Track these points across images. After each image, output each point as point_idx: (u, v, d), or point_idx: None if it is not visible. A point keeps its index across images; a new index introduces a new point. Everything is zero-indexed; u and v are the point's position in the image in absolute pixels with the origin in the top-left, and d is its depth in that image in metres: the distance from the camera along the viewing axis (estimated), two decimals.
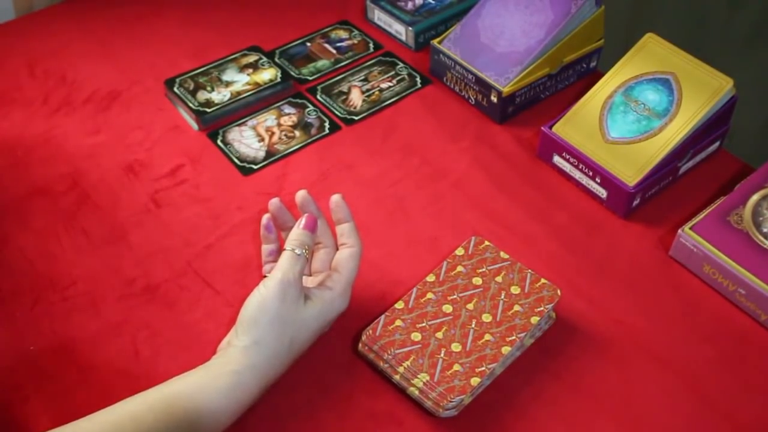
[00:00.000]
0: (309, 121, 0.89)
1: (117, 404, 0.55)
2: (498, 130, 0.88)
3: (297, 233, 0.62)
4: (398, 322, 0.64)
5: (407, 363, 0.62)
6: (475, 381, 0.60)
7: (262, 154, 0.85)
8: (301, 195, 0.66)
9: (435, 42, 0.91)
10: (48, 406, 0.63)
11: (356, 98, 0.91)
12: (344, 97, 0.92)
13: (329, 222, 0.67)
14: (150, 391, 0.56)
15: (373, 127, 0.88)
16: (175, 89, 0.91)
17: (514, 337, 0.63)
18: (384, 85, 0.93)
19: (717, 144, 0.83)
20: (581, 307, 0.70)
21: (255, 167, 0.83)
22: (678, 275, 0.73)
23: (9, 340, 0.68)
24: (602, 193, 0.78)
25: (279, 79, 0.92)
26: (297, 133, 0.87)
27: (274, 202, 0.66)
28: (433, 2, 0.99)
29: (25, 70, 0.95)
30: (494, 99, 0.86)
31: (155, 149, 0.85)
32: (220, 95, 0.90)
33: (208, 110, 0.88)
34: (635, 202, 0.77)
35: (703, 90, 0.77)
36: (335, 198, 0.65)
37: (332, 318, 0.63)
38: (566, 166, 0.81)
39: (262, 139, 0.86)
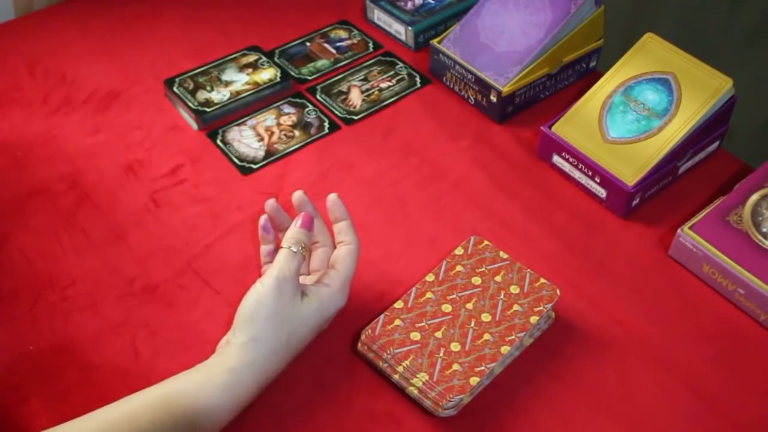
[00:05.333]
0: (308, 120, 0.89)
1: (115, 403, 0.55)
2: (498, 129, 0.88)
3: (293, 231, 0.62)
4: (397, 322, 0.64)
5: (406, 362, 0.62)
6: (474, 380, 0.61)
7: (261, 153, 0.85)
8: (297, 195, 0.66)
9: (434, 42, 0.91)
10: (47, 406, 0.63)
11: (356, 98, 0.91)
12: (344, 96, 0.92)
13: (327, 222, 0.67)
14: (148, 390, 0.56)
15: (372, 126, 0.88)
16: (175, 89, 0.91)
17: (513, 337, 0.63)
18: (383, 85, 0.93)
19: (716, 144, 0.83)
20: (580, 307, 0.70)
21: (254, 167, 0.83)
22: (677, 275, 0.73)
23: (9, 339, 0.68)
24: (602, 192, 0.78)
25: (278, 79, 0.92)
26: (296, 132, 0.87)
27: (270, 203, 0.66)
28: (432, 2, 0.99)
29: (24, 70, 0.95)
30: (494, 99, 0.86)
31: (155, 149, 0.86)
32: (219, 95, 0.90)
33: (208, 110, 0.88)
34: (635, 202, 0.77)
35: (703, 90, 0.77)
36: (332, 197, 0.65)
37: (330, 315, 0.63)
38: (566, 166, 0.81)
39: (262, 139, 0.86)
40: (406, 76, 0.94)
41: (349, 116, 0.89)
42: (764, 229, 0.70)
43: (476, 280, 0.67)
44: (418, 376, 0.61)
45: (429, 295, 0.66)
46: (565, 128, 0.81)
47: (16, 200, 0.80)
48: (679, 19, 1.42)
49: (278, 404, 0.63)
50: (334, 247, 0.66)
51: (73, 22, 1.03)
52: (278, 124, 0.88)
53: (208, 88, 0.91)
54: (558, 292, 0.66)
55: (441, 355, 0.62)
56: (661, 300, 0.71)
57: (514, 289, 0.66)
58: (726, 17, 1.40)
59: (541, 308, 0.65)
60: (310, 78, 0.94)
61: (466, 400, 0.62)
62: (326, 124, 0.88)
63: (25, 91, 0.93)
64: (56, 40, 1.00)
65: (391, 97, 0.92)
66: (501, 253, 0.69)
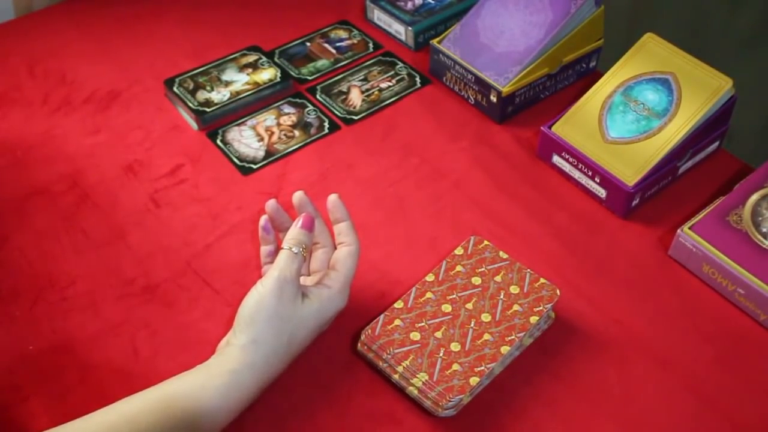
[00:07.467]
0: (308, 120, 0.89)
1: (114, 404, 0.55)
2: (497, 129, 0.88)
3: (294, 232, 0.62)
4: (397, 322, 0.64)
5: (406, 362, 0.62)
6: (474, 380, 0.61)
7: (261, 153, 0.85)
8: (298, 196, 0.66)
9: (434, 42, 0.91)
10: (47, 406, 0.63)
11: (356, 98, 0.91)
12: (344, 96, 0.92)
13: (327, 222, 0.67)
14: (148, 391, 0.56)
15: (372, 126, 0.88)
16: (175, 89, 0.91)
17: (513, 337, 0.63)
18: (383, 85, 0.93)
19: (716, 144, 0.83)
20: (580, 307, 0.70)
21: (254, 167, 0.83)
22: (677, 275, 0.73)
23: (8, 340, 0.68)
24: (602, 192, 0.78)
25: (278, 79, 0.92)
26: (296, 132, 0.87)
27: (270, 204, 0.66)
28: (432, 2, 0.99)
29: (24, 70, 0.95)
30: (494, 99, 0.86)
31: (155, 149, 0.86)
32: (219, 95, 0.90)
33: (208, 110, 0.88)
34: (634, 202, 0.77)
35: (703, 90, 0.77)
36: (332, 198, 0.65)
37: (330, 316, 0.63)
38: (566, 166, 0.81)
39: (262, 139, 0.86)
40: (406, 76, 0.94)
41: (349, 116, 0.89)
42: (764, 229, 0.70)
43: (476, 280, 0.67)
44: (417, 376, 0.61)
45: (429, 295, 0.66)
46: (565, 128, 0.81)
47: (16, 200, 0.80)
48: (679, 19, 1.42)
49: (278, 404, 0.63)
50: (335, 248, 0.66)
51: (73, 22, 1.03)
52: (278, 124, 0.88)
53: (208, 88, 0.91)
54: (558, 292, 0.66)
55: (441, 355, 0.62)
56: (660, 300, 0.71)
57: (514, 289, 0.66)
58: (726, 17, 1.40)
59: (541, 308, 0.65)
60: (310, 78, 0.94)
61: (466, 400, 0.62)
62: (326, 124, 0.88)
63: (25, 91, 0.93)
64: (56, 40, 1.00)
65: (391, 97, 0.92)
66: (501, 253, 0.69)
